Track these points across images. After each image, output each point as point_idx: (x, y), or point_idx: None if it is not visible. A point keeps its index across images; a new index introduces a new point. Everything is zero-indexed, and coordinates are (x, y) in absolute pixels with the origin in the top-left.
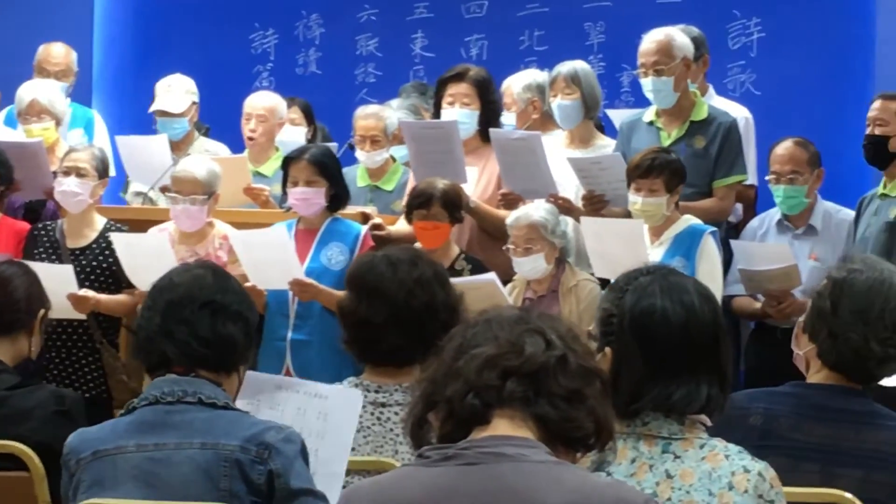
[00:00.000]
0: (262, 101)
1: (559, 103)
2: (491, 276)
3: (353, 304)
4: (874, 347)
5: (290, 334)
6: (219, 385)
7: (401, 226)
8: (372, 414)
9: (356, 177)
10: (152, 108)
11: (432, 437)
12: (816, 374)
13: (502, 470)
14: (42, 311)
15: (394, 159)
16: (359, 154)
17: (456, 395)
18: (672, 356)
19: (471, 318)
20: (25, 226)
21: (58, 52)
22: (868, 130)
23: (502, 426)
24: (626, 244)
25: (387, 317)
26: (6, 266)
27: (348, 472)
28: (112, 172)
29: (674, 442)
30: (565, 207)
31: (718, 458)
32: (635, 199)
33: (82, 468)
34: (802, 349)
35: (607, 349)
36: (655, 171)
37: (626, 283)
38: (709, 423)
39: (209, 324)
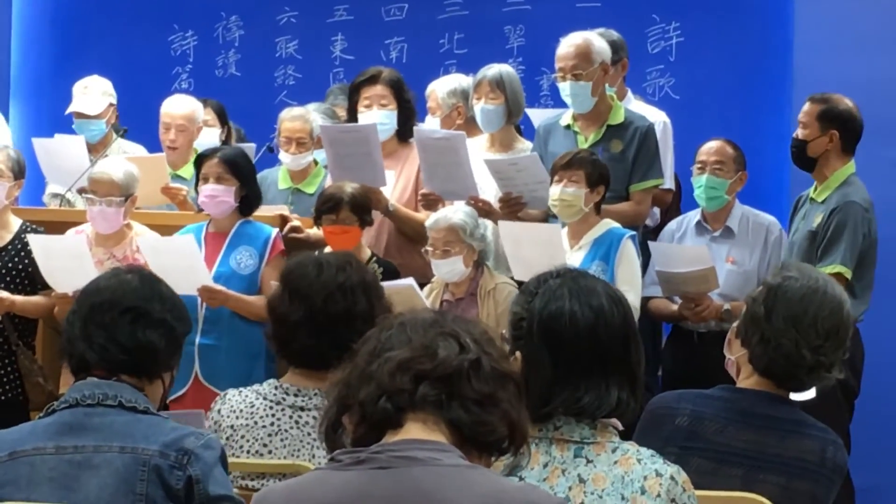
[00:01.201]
0: (180, 110)
1: (483, 107)
2: (409, 280)
3: (277, 301)
4: (805, 354)
5: (198, 339)
6: (140, 390)
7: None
8: (290, 417)
9: (277, 179)
10: (69, 110)
11: (346, 441)
12: (746, 380)
13: (414, 474)
14: None
15: (316, 162)
16: (283, 156)
17: (369, 399)
18: (581, 359)
19: (385, 321)
20: None
21: None
22: (794, 133)
23: (415, 430)
24: (543, 248)
25: (301, 316)
26: None
27: (264, 476)
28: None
29: (586, 446)
30: (485, 210)
31: (630, 462)
32: (555, 190)
33: None
34: (734, 354)
35: (518, 353)
36: (577, 163)
37: (535, 287)
38: (620, 426)
39: (129, 330)
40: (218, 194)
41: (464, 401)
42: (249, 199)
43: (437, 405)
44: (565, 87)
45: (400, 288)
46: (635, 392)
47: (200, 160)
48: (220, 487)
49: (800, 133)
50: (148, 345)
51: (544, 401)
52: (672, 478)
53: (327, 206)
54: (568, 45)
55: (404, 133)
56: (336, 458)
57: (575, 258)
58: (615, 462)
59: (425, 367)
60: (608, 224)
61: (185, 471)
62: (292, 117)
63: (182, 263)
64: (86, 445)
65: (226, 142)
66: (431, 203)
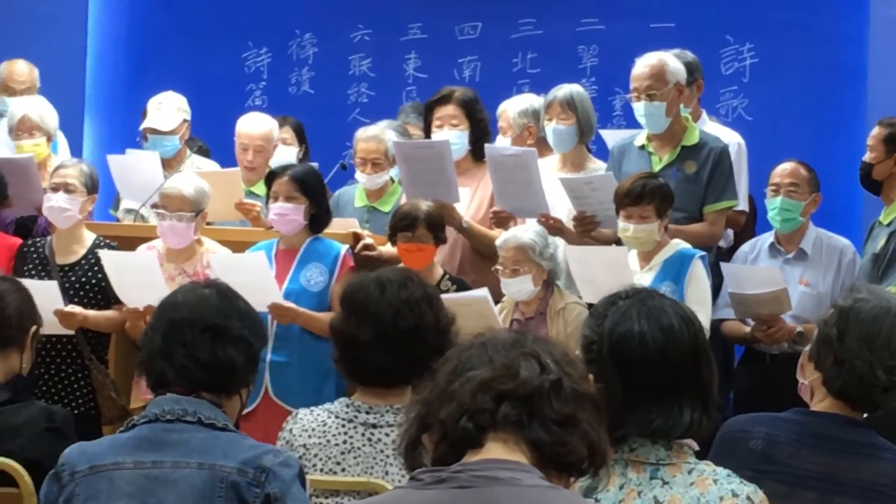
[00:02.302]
0: (257, 130)
1: (554, 128)
2: (483, 292)
3: (342, 323)
4: (879, 375)
5: (269, 356)
6: (219, 406)
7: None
8: (363, 435)
9: (354, 197)
10: (143, 126)
11: (426, 460)
12: (820, 403)
13: (495, 494)
14: (34, 328)
15: (393, 181)
16: (359, 176)
17: (450, 418)
18: (652, 381)
19: (466, 341)
20: (17, 241)
21: (21, 70)
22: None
23: (496, 450)
24: (611, 270)
25: (372, 336)
26: None
27: (337, 493)
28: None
29: (662, 468)
30: (556, 228)
31: (707, 483)
32: (626, 227)
33: (77, 482)
34: (807, 378)
35: (590, 376)
36: (647, 197)
37: (605, 309)
38: (696, 447)
39: (209, 348)
40: (287, 213)
41: (544, 421)
42: (319, 216)
43: (518, 425)
44: (640, 108)
45: (473, 299)
46: (708, 411)
47: (271, 177)
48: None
49: (867, 156)
50: (227, 362)
51: (617, 424)
52: (749, 498)
53: (403, 224)
54: (643, 65)
55: (478, 152)
56: (417, 478)
57: (645, 279)
58: (691, 483)
59: (507, 387)
60: (678, 245)
61: (262, 488)
62: (367, 138)
63: (252, 280)
64: (164, 461)
65: (303, 160)
66: (503, 220)
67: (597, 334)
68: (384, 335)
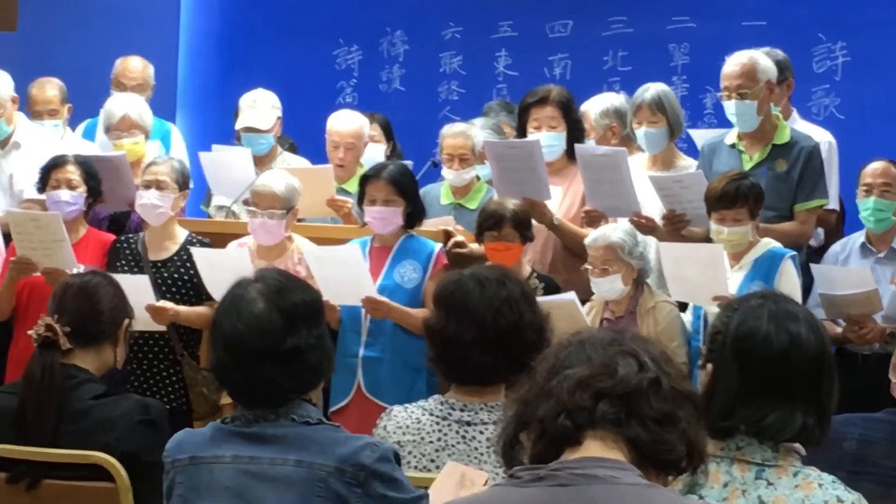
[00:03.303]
0: (348, 128)
1: (645, 132)
2: (570, 295)
3: (441, 323)
4: None
5: (361, 351)
6: (308, 401)
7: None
8: (457, 432)
9: (440, 194)
10: (239, 126)
11: (524, 458)
12: None
13: (594, 492)
14: (126, 322)
15: (478, 178)
16: (446, 172)
17: (548, 416)
18: (769, 380)
19: (564, 339)
20: (110, 237)
21: (134, 66)
22: None
23: (594, 448)
24: (705, 269)
25: (474, 336)
26: (91, 277)
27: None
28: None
29: (767, 468)
30: (648, 227)
31: (812, 487)
32: (720, 229)
33: (178, 470)
34: None
35: (709, 365)
36: (740, 200)
37: (738, 304)
38: (803, 452)
39: (291, 372)
40: (386, 216)
41: (643, 419)
42: (413, 214)
43: (616, 423)
44: (730, 106)
45: (560, 303)
46: (822, 422)
47: (365, 180)
48: (403, 492)
49: None
50: (309, 370)
51: (726, 415)
52: None
53: (489, 223)
54: (734, 63)
55: (572, 151)
56: (515, 475)
57: (735, 278)
58: (796, 486)
59: (605, 385)
60: (768, 244)
61: (363, 488)
62: (454, 134)
63: (347, 274)
64: (262, 457)
65: (390, 157)
66: (594, 219)
67: (724, 325)
68: (484, 335)
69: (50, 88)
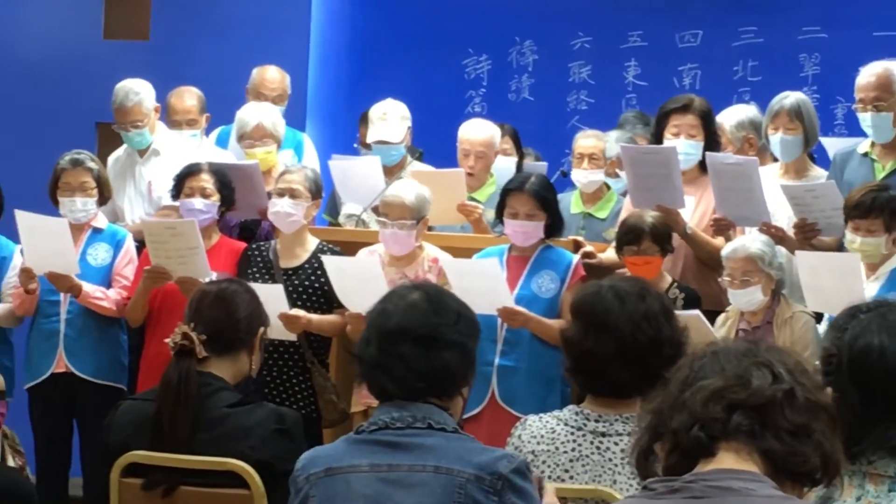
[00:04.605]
0: (480, 136)
1: (781, 138)
2: (695, 312)
3: (579, 336)
4: None
5: (497, 360)
6: (445, 409)
7: (611, 254)
8: (591, 443)
9: (570, 203)
10: (370, 139)
11: (658, 469)
12: None
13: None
14: (262, 330)
15: (608, 187)
16: (575, 174)
17: (681, 427)
18: (890, 396)
19: (699, 350)
20: (241, 245)
21: (273, 77)
22: None
23: (728, 459)
24: (841, 278)
25: (612, 350)
26: (228, 285)
27: (565, 500)
28: None
29: None
30: (778, 237)
31: None
32: (853, 238)
33: (312, 483)
34: None
35: (828, 389)
36: (875, 210)
37: (845, 322)
38: None
39: (425, 358)
40: (528, 230)
41: (777, 431)
42: (552, 226)
43: (750, 434)
44: (866, 118)
45: (686, 318)
46: None
47: (507, 192)
48: None
49: None
50: (444, 368)
51: (855, 440)
52: None
53: (629, 237)
54: (868, 74)
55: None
56: (649, 487)
57: (871, 289)
58: None
59: (739, 397)
60: None
61: (500, 496)
62: (585, 136)
63: (485, 285)
64: (400, 465)
65: (519, 167)
66: (723, 228)
67: (836, 347)
68: (622, 349)
69: (189, 98)
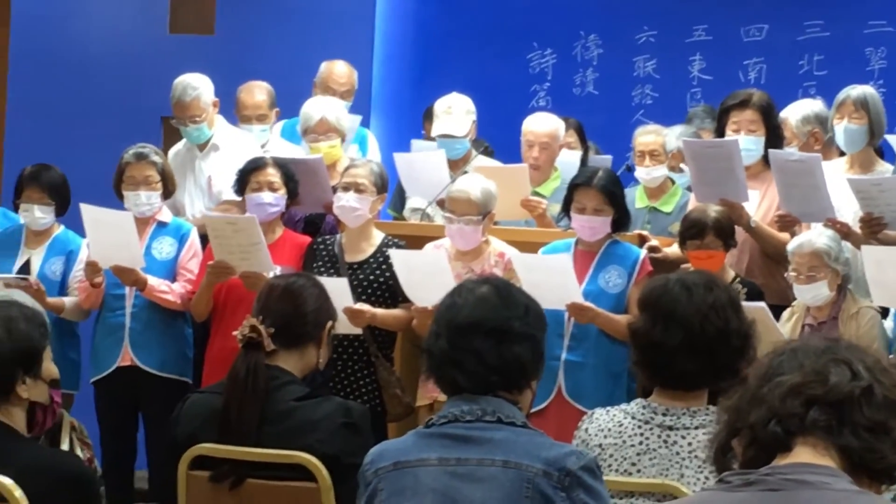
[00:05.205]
0: (544, 128)
1: (846, 126)
2: (760, 304)
3: (647, 327)
4: None
5: (564, 354)
6: (515, 403)
7: (676, 248)
8: (659, 437)
9: (634, 198)
10: (435, 132)
11: (735, 464)
12: None
13: (804, 497)
14: (329, 324)
15: (672, 181)
16: (639, 171)
17: (759, 422)
18: None
19: (778, 346)
20: (306, 239)
21: (341, 72)
22: None
23: (805, 454)
24: None
25: (680, 342)
26: (296, 279)
27: (632, 494)
28: None
29: None
30: (843, 232)
31: None
32: None
33: (381, 477)
34: None
35: None
36: None
37: None
38: None
39: (496, 351)
40: (596, 225)
41: (854, 427)
42: (619, 221)
43: (827, 430)
44: None
45: (751, 310)
46: None
47: (574, 187)
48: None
49: None
50: (515, 361)
51: None
52: None
53: (692, 232)
54: None
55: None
56: (725, 480)
57: None
58: None
59: (816, 393)
60: None
61: (567, 492)
62: (645, 132)
63: (554, 280)
64: (469, 458)
65: (584, 160)
66: (787, 224)
67: None
68: (691, 341)
69: (259, 93)
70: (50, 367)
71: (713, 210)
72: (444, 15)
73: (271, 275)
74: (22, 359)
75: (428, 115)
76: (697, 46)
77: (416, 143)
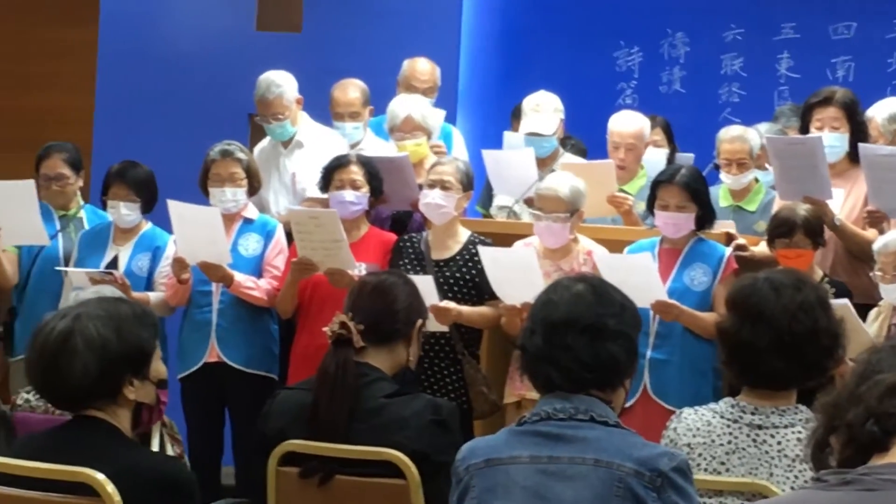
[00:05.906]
0: (629, 129)
1: None
2: (843, 301)
3: (735, 327)
4: None
5: (649, 352)
6: (607, 402)
7: (763, 247)
8: (748, 436)
9: (719, 196)
10: (523, 130)
11: (832, 462)
12: None
13: None
14: (420, 321)
15: (757, 180)
16: (724, 177)
17: (856, 421)
18: None
19: (879, 344)
20: (392, 237)
21: (423, 69)
22: None
23: None
24: None
25: (769, 341)
26: (387, 276)
27: (721, 493)
28: None
29: None
30: None
31: None
32: None
33: (472, 474)
34: None
35: None
36: None
37: None
38: None
39: (591, 349)
40: (679, 222)
41: None
42: (703, 218)
43: None
44: None
45: (837, 307)
46: None
47: (657, 184)
48: None
49: None
50: (610, 359)
51: None
52: None
53: (781, 230)
54: None
55: (855, 153)
56: (821, 479)
57: None
58: None
59: None
60: None
61: (659, 493)
62: (731, 139)
63: (638, 278)
64: (560, 457)
65: (671, 159)
66: (877, 220)
67: None
68: (779, 340)
69: (352, 91)
70: (158, 368)
71: (802, 209)
72: (531, 12)
73: (355, 271)
74: (130, 361)
75: (516, 113)
76: (785, 44)
77: (508, 136)
